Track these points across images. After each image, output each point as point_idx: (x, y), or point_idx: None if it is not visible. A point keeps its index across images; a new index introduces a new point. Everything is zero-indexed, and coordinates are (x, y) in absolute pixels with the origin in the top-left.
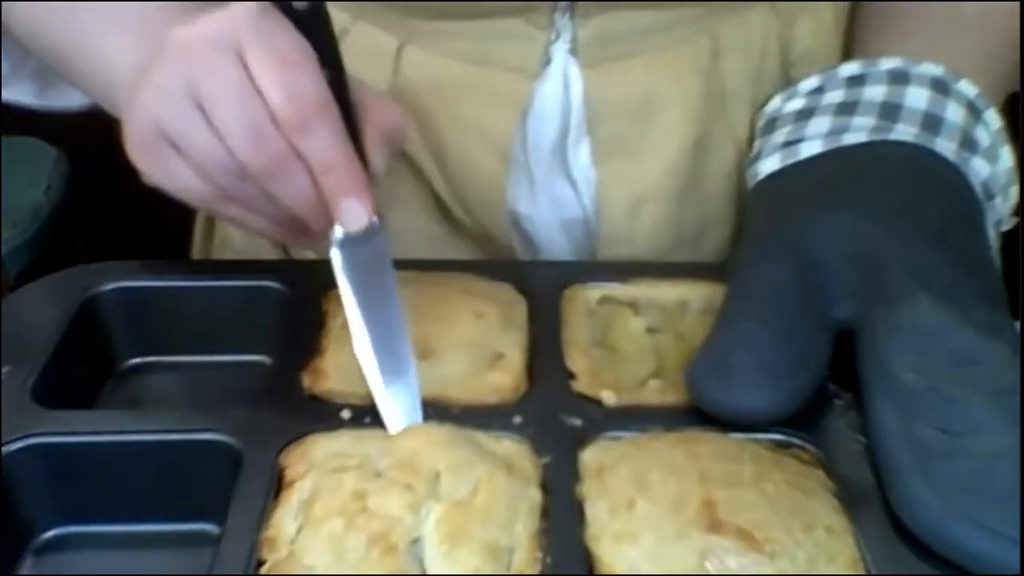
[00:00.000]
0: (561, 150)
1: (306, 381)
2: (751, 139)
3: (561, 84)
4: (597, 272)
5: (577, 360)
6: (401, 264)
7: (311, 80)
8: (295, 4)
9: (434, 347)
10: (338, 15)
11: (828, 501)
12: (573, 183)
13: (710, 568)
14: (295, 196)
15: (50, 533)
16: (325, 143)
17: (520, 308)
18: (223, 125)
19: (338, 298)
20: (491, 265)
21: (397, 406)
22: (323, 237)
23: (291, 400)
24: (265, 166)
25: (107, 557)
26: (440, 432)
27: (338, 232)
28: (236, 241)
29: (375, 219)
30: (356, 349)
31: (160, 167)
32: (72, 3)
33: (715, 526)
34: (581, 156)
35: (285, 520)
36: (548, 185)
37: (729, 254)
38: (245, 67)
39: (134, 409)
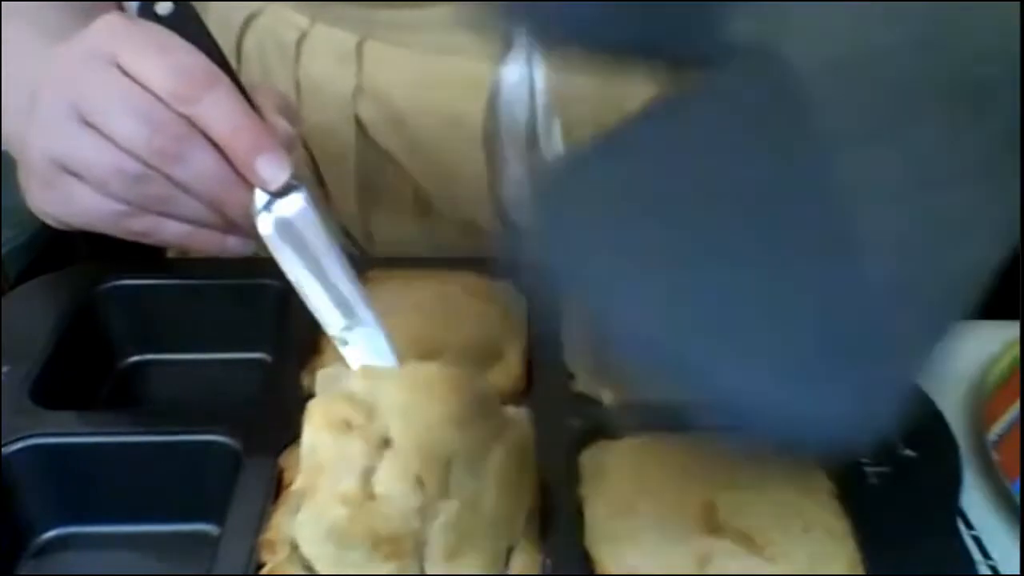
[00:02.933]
0: (534, 133)
1: (306, 381)
2: None
3: (525, 68)
4: None
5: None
6: (401, 264)
7: (193, 56)
8: (158, 8)
9: (434, 347)
10: (296, 18)
11: (828, 503)
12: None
13: (710, 571)
14: (203, 176)
15: (50, 533)
16: (223, 106)
17: (520, 308)
18: (115, 129)
19: None
20: (492, 264)
21: (364, 350)
22: (246, 221)
23: (291, 400)
24: (165, 149)
25: (107, 557)
26: (455, 401)
27: (259, 200)
28: None
29: (292, 177)
30: (312, 310)
31: (65, 200)
32: None
33: (715, 528)
34: (554, 138)
35: (285, 521)
36: (526, 168)
37: None
38: (123, 71)
39: (134, 409)
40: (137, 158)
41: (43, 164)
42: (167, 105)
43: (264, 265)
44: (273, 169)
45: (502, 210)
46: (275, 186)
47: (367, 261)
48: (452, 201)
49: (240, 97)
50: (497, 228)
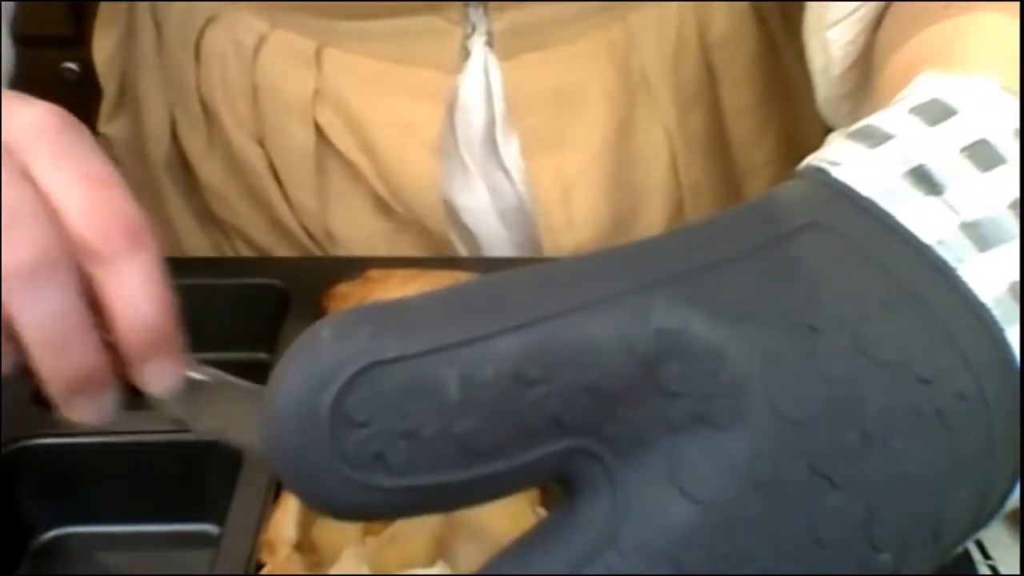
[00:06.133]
0: (492, 141)
1: None
2: (678, 119)
3: (482, 77)
4: None
5: None
6: (401, 263)
7: (127, 201)
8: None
9: None
10: (256, 23)
11: None
12: (507, 172)
13: None
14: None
15: (50, 534)
16: (136, 280)
17: None
18: None
19: (339, 296)
20: (490, 263)
21: None
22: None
23: None
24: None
25: (107, 557)
26: None
27: None
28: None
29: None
30: None
31: None
32: None
33: None
34: (511, 147)
35: (285, 521)
36: (484, 176)
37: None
38: (33, 184)
39: (134, 408)
40: None
41: None
42: (70, 252)
43: (264, 265)
44: (163, 376)
45: (457, 218)
46: (158, 393)
47: (367, 261)
48: (407, 207)
49: (158, 269)
50: (449, 233)
